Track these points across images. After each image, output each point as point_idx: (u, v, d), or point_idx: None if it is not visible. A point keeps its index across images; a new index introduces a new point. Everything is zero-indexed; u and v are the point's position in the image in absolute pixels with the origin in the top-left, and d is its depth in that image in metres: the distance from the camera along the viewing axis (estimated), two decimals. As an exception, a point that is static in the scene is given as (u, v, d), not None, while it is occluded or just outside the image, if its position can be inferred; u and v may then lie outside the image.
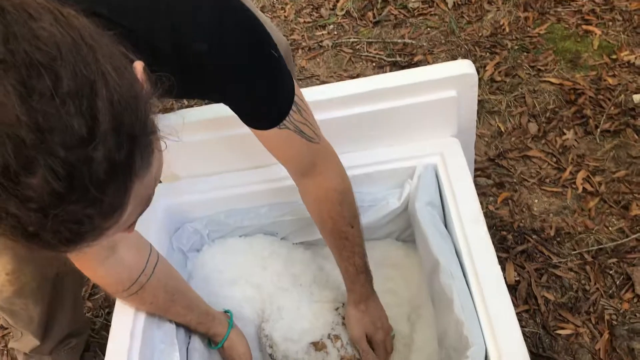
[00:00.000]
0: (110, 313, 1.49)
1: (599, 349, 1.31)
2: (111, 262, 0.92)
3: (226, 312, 1.17)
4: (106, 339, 1.43)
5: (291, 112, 0.85)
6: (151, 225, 1.15)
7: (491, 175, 1.71)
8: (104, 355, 1.40)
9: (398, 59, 2.12)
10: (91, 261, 0.90)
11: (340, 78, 2.10)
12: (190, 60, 0.74)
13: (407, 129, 1.19)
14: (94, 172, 0.45)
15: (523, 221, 1.58)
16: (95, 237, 0.50)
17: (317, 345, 1.14)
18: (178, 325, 1.08)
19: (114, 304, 1.03)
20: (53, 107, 0.43)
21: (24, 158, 0.43)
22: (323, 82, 2.04)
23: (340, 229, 1.04)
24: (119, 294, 0.99)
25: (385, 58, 2.13)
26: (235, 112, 0.85)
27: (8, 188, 0.44)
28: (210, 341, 1.15)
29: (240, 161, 1.20)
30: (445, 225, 1.11)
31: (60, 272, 1.21)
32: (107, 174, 0.46)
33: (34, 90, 0.43)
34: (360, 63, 2.15)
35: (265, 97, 0.83)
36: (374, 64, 2.13)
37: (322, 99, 1.11)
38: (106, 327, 1.49)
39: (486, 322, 0.92)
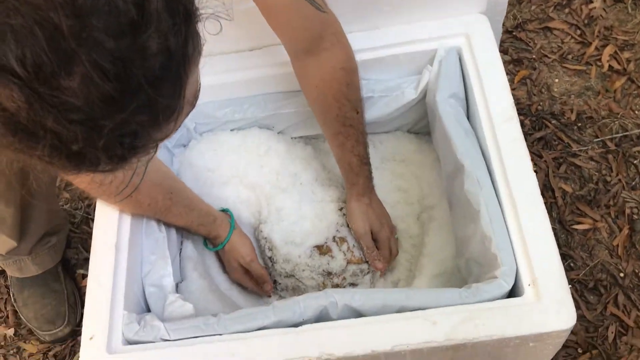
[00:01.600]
0: (90, 205, 1.38)
1: (617, 245, 1.23)
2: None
3: (225, 211, 1.06)
4: (88, 233, 1.35)
5: None
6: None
7: (508, 50, 1.53)
8: (87, 251, 1.33)
9: None
10: None
11: None
12: None
13: (427, 3, 1.00)
14: (149, 67, 0.37)
15: (542, 104, 1.44)
16: (146, 151, 0.43)
17: (322, 249, 1.05)
18: (169, 230, 0.97)
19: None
20: None
21: (61, 53, 0.34)
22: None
23: (345, 114, 0.92)
24: (112, 199, 0.87)
25: None
26: None
27: (44, 95, 0.34)
28: (206, 242, 1.05)
29: (232, 42, 1.02)
30: (470, 123, 0.96)
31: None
32: (163, 67, 0.38)
33: None
34: None
35: None
36: None
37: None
38: (87, 220, 1.38)
39: (518, 240, 0.81)
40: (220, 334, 0.81)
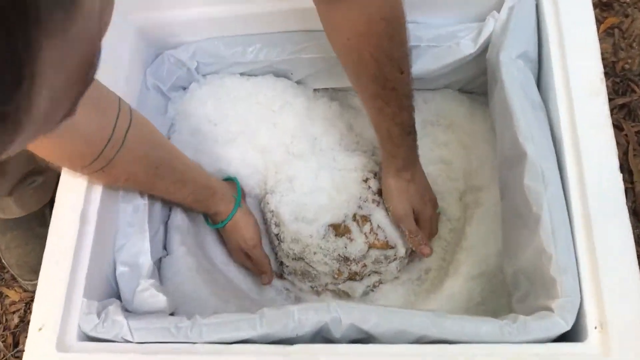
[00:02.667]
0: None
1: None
2: (63, 134, 0.62)
3: (230, 179, 0.89)
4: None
5: None
6: (117, 53, 0.81)
7: (595, -11, 1.25)
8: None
9: None
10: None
11: None
12: None
13: None
14: None
15: (630, 62, 1.17)
16: None
17: (339, 229, 0.86)
18: (153, 196, 0.81)
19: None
20: None
21: None
22: None
23: (385, 75, 0.70)
24: (80, 172, 0.71)
25: None
26: None
27: None
28: (207, 217, 0.89)
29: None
30: (541, 94, 0.74)
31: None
32: None
33: None
34: None
35: None
36: None
37: None
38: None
39: (588, 264, 0.61)
40: (194, 343, 0.65)
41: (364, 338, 0.65)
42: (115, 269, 0.75)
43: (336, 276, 0.87)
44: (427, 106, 0.92)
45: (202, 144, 0.87)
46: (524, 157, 0.68)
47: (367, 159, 0.90)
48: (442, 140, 0.92)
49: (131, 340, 0.66)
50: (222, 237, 0.89)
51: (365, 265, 0.87)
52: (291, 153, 0.88)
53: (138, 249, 0.75)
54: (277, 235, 0.88)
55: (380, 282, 0.89)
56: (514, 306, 0.74)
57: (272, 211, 0.88)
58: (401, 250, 0.87)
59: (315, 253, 0.85)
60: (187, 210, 0.87)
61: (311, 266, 0.86)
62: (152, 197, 0.80)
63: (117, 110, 0.68)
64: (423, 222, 0.86)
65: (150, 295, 0.71)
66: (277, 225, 0.88)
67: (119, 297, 0.74)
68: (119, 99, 0.69)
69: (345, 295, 0.89)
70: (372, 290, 0.90)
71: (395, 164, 0.81)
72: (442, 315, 0.63)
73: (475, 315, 0.80)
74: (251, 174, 0.88)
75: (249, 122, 0.88)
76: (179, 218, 0.85)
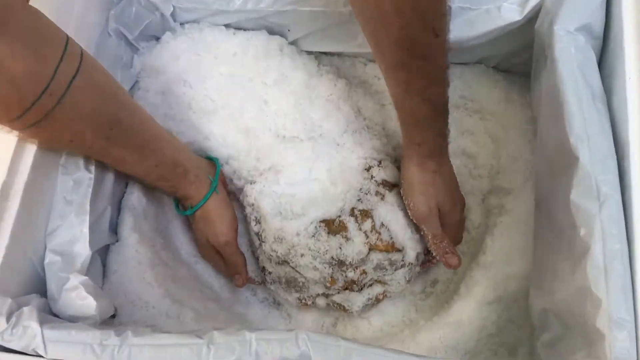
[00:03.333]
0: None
1: None
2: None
3: (210, 159, 0.74)
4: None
5: None
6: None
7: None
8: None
9: None
10: None
11: None
12: None
13: None
14: None
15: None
16: None
17: (331, 225, 0.70)
18: (103, 168, 0.65)
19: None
20: None
21: None
22: None
23: (414, 38, 0.53)
24: (8, 126, 0.56)
25: None
26: None
27: None
28: (177, 201, 0.74)
29: None
30: (604, 82, 0.57)
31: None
32: None
33: None
34: None
35: None
36: None
37: None
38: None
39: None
40: (120, 368, 0.50)
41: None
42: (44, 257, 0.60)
43: (329, 284, 0.71)
44: (452, 84, 0.75)
45: (172, 109, 0.71)
46: (574, 164, 0.51)
47: (374, 144, 0.74)
48: (466, 128, 0.75)
49: (43, 355, 0.51)
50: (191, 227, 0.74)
51: (364, 272, 0.70)
52: (281, 137, 0.72)
53: (74, 234, 0.60)
54: (257, 234, 0.72)
55: (385, 294, 0.73)
56: (539, 349, 0.58)
57: (252, 205, 0.72)
58: (410, 255, 0.71)
59: (302, 255, 0.69)
60: (150, 188, 0.72)
61: (298, 272, 0.70)
62: (103, 168, 0.65)
63: (62, 51, 0.53)
64: (449, 226, 0.69)
65: (78, 297, 0.56)
66: (257, 221, 0.72)
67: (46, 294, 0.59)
68: (67, 38, 0.54)
69: (340, 309, 0.73)
70: (375, 305, 0.74)
71: (418, 151, 0.65)
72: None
73: (485, 350, 0.66)
74: (228, 158, 0.72)
75: (233, 93, 0.71)
76: (134, 197, 0.69)
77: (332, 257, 0.69)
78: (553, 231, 0.56)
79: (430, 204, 0.67)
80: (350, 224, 0.70)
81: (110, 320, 0.64)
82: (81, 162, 0.63)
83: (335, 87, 0.74)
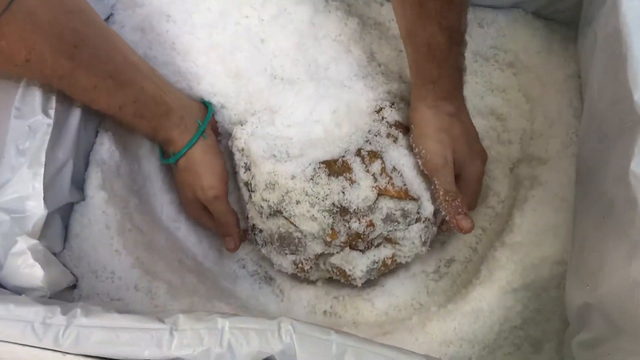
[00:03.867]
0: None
1: None
2: None
3: (203, 103, 0.64)
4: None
5: None
6: None
7: None
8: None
9: None
10: None
11: None
12: None
13: None
14: None
15: None
16: None
17: (333, 166, 0.59)
18: (68, 107, 0.56)
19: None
20: None
21: None
22: None
23: None
24: None
25: None
26: None
27: None
28: (161, 148, 0.64)
29: None
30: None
31: None
32: None
33: None
34: None
35: None
36: None
37: None
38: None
39: None
40: (64, 353, 0.41)
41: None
42: (-10, 216, 0.51)
43: (329, 239, 0.59)
44: (482, 31, 0.64)
45: (152, 49, 0.61)
46: (636, 127, 0.41)
47: (387, 88, 0.63)
48: (497, 84, 0.65)
49: (-24, 332, 0.42)
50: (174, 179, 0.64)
51: (372, 224, 0.59)
52: (279, 78, 0.61)
53: (26, 190, 0.51)
54: (247, 183, 0.62)
55: (394, 259, 0.62)
56: (574, 349, 0.48)
57: (242, 149, 0.62)
58: (427, 208, 0.60)
59: (298, 202, 0.58)
60: (128, 129, 0.62)
61: (293, 223, 0.59)
62: (65, 112, 0.55)
63: None
64: (466, 182, 0.60)
65: (24, 264, 0.47)
66: (247, 168, 0.62)
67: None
68: None
69: (341, 274, 0.62)
70: (382, 274, 0.64)
71: (434, 91, 0.56)
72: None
73: (507, 344, 0.56)
74: (218, 107, 0.62)
75: (223, 31, 0.61)
76: (105, 149, 0.59)
77: (333, 204, 0.57)
78: (601, 209, 0.46)
79: (446, 153, 0.57)
80: (356, 164, 0.58)
81: (69, 291, 0.55)
82: (38, 104, 0.53)
83: (345, 26, 0.63)
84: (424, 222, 0.61)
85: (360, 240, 0.59)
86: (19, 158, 0.52)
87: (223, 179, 0.62)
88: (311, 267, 0.62)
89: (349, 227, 0.58)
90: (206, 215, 0.64)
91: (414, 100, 0.58)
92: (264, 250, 0.64)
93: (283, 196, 0.58)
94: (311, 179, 0.58)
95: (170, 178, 0.66)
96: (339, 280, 0.63)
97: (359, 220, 0.58)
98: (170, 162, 0.62)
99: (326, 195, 0.57)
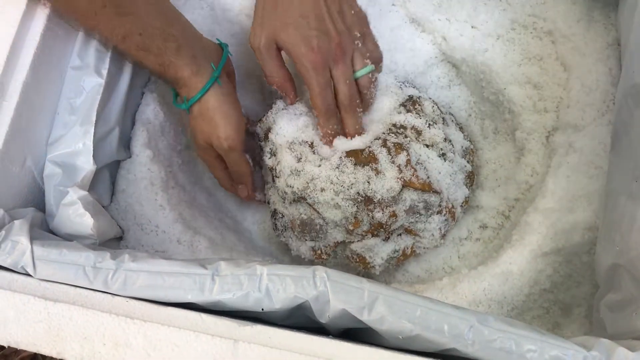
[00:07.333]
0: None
1: None
2: None
3: (219, 44, 0.62)
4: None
5: None
6: None
7: None
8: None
9: None
10: None
11: None
12: None
13: None
14: None
15: None
16: None
17: (359, 156, 0.59)
18: (120, 70, 0.59)
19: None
20: None
21: None
22: None
23: None
24: None
25: None
26: None
27: None
28: (175, 92, 0.60)
29: None
30: None
31: None
32: None
33: None
34: None
35: None
36: None
37: None
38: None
39: None
40: (113, 295, 0.44)
41: (364, 329, 0.43)
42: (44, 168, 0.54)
43: (351, 227, 0.60)
44: (520, 0, 0.64)
45: None
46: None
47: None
48: (534, 53, 0.64)
49: (32, 274, 0.45)
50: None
51: (394, 215, 0.59)
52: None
53: (78, 145, 0.54)
54: (271, 168, 0.62)
55: (413, 250, 0.64)
56: (602, 310, 0.49)
57: (269, 128, 0.63)
58: (448, 202, 0.63)
59: (323, 190, 0.58)
60: (134, 64, 0.60)
61: (316, 210, 0.60)
62: (117, 73, 0.58)
63: None
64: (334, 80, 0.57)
65: (75, 213, 0.50)
66: (273, 153, 0.62)
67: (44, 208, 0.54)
68: None
69: (360, 262, 0.63)
70: (401, 262, 0.65)
71: None
72: (494, 319, 0.39)
73: (536, 307, 0.57)
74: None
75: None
76: (150, 110, 0.62)
77: (357, 193, 0.58)
78: (634, 175, 0.46)
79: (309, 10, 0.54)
80: (382, 155, 0.59)
81: (116, 242, 0.58)
82: (92, 64, 0.56)
83: None
84: (444, 214, 0.62)
85: (382, 230, 0.60)
86: (71, 116, 0.55)
87: (240, 128, 0.60)
88: (329, 255, 0.63)
89: (372, 217, 0.59)
90: (218, 162, 0.62)
91: None
92: (282, 237, 0.64)
93: (308, 183, 0.59)
94: (337, 167, 0.58)
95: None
96: (355, 268, 0.64)
97: (383, 210, 0.59)
98: (184, 107, 0.59)
99: (351, 184, 0.58)
